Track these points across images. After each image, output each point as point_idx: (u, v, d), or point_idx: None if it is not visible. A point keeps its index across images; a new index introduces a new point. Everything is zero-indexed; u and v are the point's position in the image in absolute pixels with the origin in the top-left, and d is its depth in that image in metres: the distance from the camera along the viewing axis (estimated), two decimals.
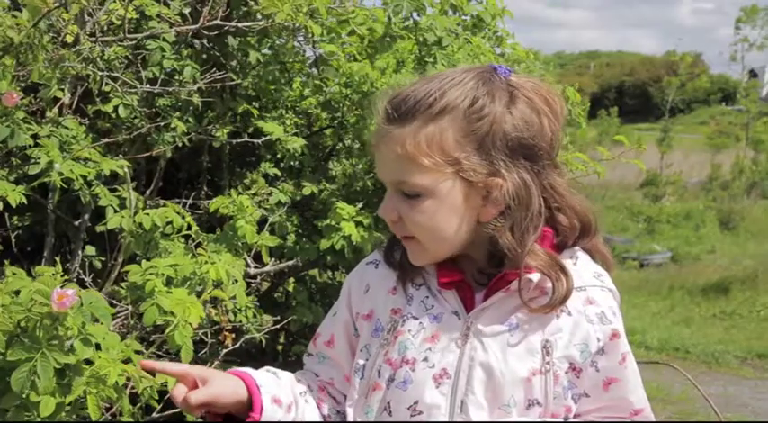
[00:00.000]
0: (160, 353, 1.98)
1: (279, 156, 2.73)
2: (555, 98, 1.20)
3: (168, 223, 2.12)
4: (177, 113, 2.51)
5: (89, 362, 1.48)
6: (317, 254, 2.54)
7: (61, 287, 1.37)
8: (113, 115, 2.37)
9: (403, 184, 1.17)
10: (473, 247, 1.20)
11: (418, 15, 2.66)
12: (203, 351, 2.35)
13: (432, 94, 1.14)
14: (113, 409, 1.92)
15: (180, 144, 2.52)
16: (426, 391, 1.17)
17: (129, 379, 1.59)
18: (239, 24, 2.41)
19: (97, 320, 1.45)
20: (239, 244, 2.28)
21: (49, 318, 1.35)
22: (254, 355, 2.93)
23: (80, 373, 1.43)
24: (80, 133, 2.24)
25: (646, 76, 42.72)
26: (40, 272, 1.58)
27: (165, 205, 2.20)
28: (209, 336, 2.29)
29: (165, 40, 2.35)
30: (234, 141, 2.72)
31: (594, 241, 1.25)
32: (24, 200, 1.98)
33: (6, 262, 1.91)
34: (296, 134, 2.72)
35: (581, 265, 1.22)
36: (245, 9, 2.51)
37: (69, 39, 2.05)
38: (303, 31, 2.79)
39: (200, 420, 1.33)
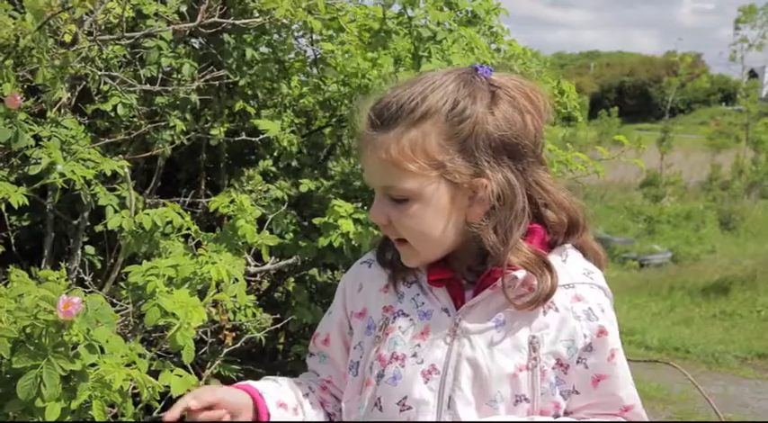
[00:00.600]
0: (161, 353, 1.98)
1: (276, 154, 2.73)
2: (538, 95, 1.21)
3: (168, 223, 2.12)
4: (176, 112, 2.51)
5: (93, 365, 1.48)
6: (316, 252, 2.54)
7: (66, 293, 1.36)
8: (112, 114, 2.37)
9: (390, 189, 1.18)
10: (462, 246, 1.22)
11: (411, 10, 2.66)
12: (203, 350, 2.35)
13: (413, 98, 1.15)
14: (115, 410, 1.92)
15: (178, 143, 2.52)
16: (415, 386, 1.19)
17: (132, 381, 1.59)
18: (236, 22, 2.40)
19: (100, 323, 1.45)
20: (240, 243, 2.28)
21: (55, 326, 1.35)
22: (254, 355, 2.93)
23: (85, 379, 1.43)
24: (79, 133, 2.24)
25: (646, 76, 42.73)
26: (43, 276, 1.58)
27: (164, 205, 2.20)
28: (209, 335, 2.29)
29: (162, 38, 2.35)
30: (232, 140, 2.72)
31: (585, 237, 1.27)
32: (26, 201, 1.98)
33: (11, 266, 1.91)
34: (293, 132, 2.72)
35: (571, 263, 1.23)
36: (242, 6, 2.51)
37: (67, 38, 2.05)
38: (303, 29, 2.80)
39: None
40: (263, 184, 2.70)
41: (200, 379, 2.00)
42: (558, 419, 1.20)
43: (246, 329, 2.40)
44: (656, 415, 5.29)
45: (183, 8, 2.47)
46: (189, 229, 2.19)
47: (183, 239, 2.23)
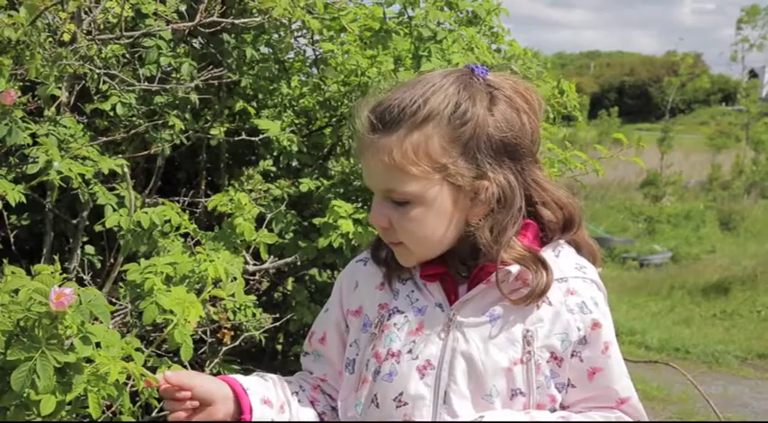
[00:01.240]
0: (159, 352, 1.98)
1: (276, 154, 2.73)
2: (532, 94, 1.22)
3: (166, 222, 2.12)
4: (175, 111, 2.51)
5: (89, 361, 1.48)
6: (316, 252, 2.54)
7: (59, 286, 1.36)
8: (111, 113, 2.37)
9: (392, 193, 1.18)
10: (458, 243, 1.22)
11: (412, 10, 2.67)
12: (202, 349, 2.35)
13: (414, 101, 1.15)
14: (113, 408, 1.92)
15: (178, 142, 2.52)
16: (411, 382, 1.19)
17: (129, 378, 1.59)
18: (235, 21, 2.40)
19: (97, 319, 1.45)
20: (238, 241, 2.28)
21: (48, 317, 1.35)
22: (254, 355, 2.93)
23: (80, 372, 1.43)
24: (78, 132, 2.24)
25: (646, 76, 42.74)
26: (38, 270, 1.58)
27: (163, 204, 2.20)
28: (208, 334, 2.29)
29: (161, 37, 2.35)
30: (231, 139, 2.72)
31: (580, 233, 1.27)
32: (23, 199, 1.98)
33: (5, 261, 1.91)
34: (293, 132, 2.72)
35: (563, 257, 1.24)
36: (241, 6, 2.51)
37: (66, 37, 2.05)
38: (302, 29, 2.80)
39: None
40: (263, 183, 2.69)
41: None
42: (554, 413, 1.21)
43: (246, 329, 2.40)
44: (656, 415, 5.29)
45: (183, 7, 2.47)
46: (187, 227, 2.19)
47: (182, 238, 2.23)
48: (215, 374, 2.38)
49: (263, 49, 2.84)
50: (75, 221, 2.42)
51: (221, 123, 2.73)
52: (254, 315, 2.42)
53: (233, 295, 1.99)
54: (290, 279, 2.93)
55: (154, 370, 1.74)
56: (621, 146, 2.72)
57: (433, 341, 1.20)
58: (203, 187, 2.91)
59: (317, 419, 1.34)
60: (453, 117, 1.14)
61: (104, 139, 2.38)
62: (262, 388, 1.30)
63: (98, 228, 2.26)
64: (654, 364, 5.14)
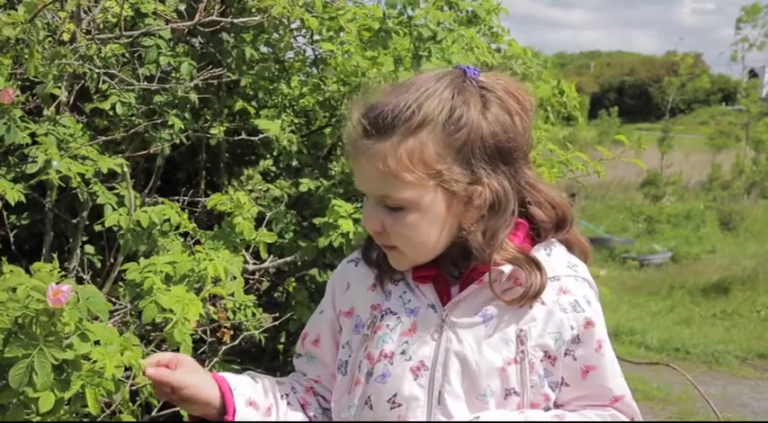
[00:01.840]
0: (159, 351, 1.98)
1: (276, 154, 2.73)
2: (524, 95, 1.21)
3: (166, 221, 2.12)
4: (174, 111, 2.51)
5: (88, 358, 1.48)
6: (316, 252, 2.54)
7: (57, 283, 1.36)
8: (111, 113, 2.37)
9: (386, 198, 1.18)
10: (450, 246, 1.22)
11: (412, 10, 2.66)
12: (202, 349, 2.35)
13: (408, 106, 1.14)
14: (113, 407, 1.92)
15: (177, 141, 2.52)
16: (405, 383, 1.19)
17: (128, 376, 1.59)
18: (235, 20, 2.40)
19: (96, 319, 1.45)
20: (237, 241, 2.28)
21: (46, 314, 1.35)
22: (254, 355, 2.93)
23: (78, 369, 1.42)
24: (77, 131, 2.24)
25: (646, 76, 42.78)
26: (37, 268, 1.58)
27: (163, 204, 2.20)
28: (208, 334, 2.29)
29: (161, 37, 2.35)
30: (231, 139, 2.72)
31: (572, 232, 1.27)
32: (23, 198, 1.98)
33: (4, 260, 1.91)
34: (293, 132, 2.72)
35: (555, 256, 1.24)
36: (241, 5, 2.51)
37: (66, 37, 2.05)
38: (302, 29, 2.79)
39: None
40: (263, 183, 2.69)
41: None
42: (548, 412, 1.21)
43: (246, 328, 2.40)
44: (656, 415, 5.29)
45: (182, 7, 2.46)
46: (187, 227, 2.19)
47: (181, 238, 2.23)
48: None
49: (263, 49, 2.84)
50: (74, 221, 2.42)
51: (221, 123, 2.73)
52: (253, 314, 2.42)
53: (233, 294, 1.99)
54: (290, 279, 2.93)
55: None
56: (622, 146, 2.72)
57: (426, 342, 1.20)
58: (203, 187, 2.91)
59: (306, 421, 1.33)
60: (448, 123, 1.14)
61: (104, 138, 2.38)
62: (249, 389, 1.29)
63: (98, 227, 2.26)
64: (654, 365, 5.14)
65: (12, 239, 2.40)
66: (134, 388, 1.75)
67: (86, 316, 1.39)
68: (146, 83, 2.34)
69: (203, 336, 2.28)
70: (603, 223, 13.52)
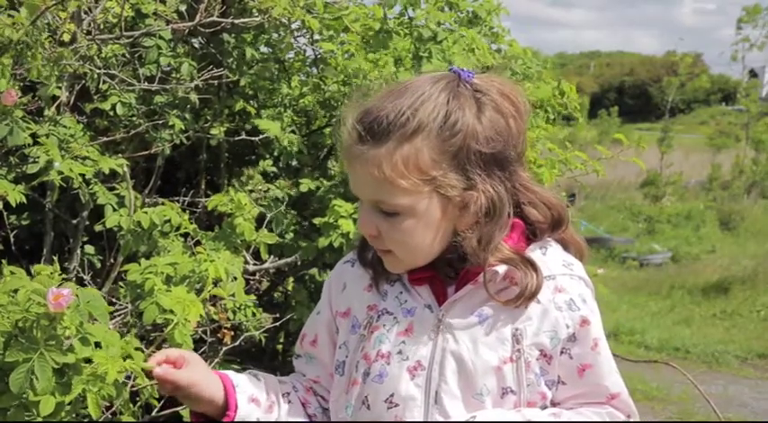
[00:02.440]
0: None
1: (276, 154, 2.73)
2: (518, 97, 1.21)
3: (166, 222, 2.12)
4: (175, 111, 2.51)
5: (88, 361, 1.48)
6: (316, 252, 2.54)
7: (58, 286, 1.36)
8: (111, 113, 2.37)
9: (381, 204, 1.18)
10: (446, 249, 1.22)
11: (413, 11, 2.67)
12: (202, 349, 2.34)
13: (403, 112, 1.13)
14: (114, 408, 1.92)
15: (177, 142, 2.52)
16: (402, 383, 1.19)
17: (128, 377, 1.59)
18: (235, 21, 2.41)
19: (96, 320, 1.45)
20: (238, 241, 2.28)
21: (46, 318, 1.35)
22: (254, 355, 2.93)
23: (79, 373, 1.43)
24: (78, 131, 2.24)
25: (646, 76, 42.79)
26: (38, 270, 1.58)
27: (163, 204, 2.20)
28: (208, 334, 2.29)
29: (161, 37, 2.35)
30: (231, 139, 2.72)
31: (568, 231, 1.28)
32: (23, 199, 1.98)
33: (4, 261, 1.91)
34: (293, 132, 2.72)
35: (550, 255, 1.24)
36: (241, 6, 2.51)
37: (66, 37, 2.05)
38: (302, 29, 2.80)
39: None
40: (263, 183, 2.69)
41: None
42: (545, 410, 1.21)
43: (246, 329, 2.40)
44: (656, 415, 5.29)
45: (183, 7, 2.47)
46: (187, 227, 2.19)
47: (182, 238, 2.23)
48: None
49: (263, 49, 2.84)
50: (75, 221, 2.42)
51: (221, 123, 2.74)
52: (254, 315, 2.42)
53: (233, 295, 1.99)
54: (290, 279, 2.93)
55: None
56: (622, 146, 2.72)
57: (422, 342, 1.20)
58: (203, 187, 2.91)
59: (306, 420, 1.34)
60: (443, 129, 1.13)
61: (104, 138, 2.38)
62: (252, 386, 1.30)
63: (98, 228, 2.26)
64: (654, 364, 5.13)
65: (12, 240, 2.40)
66: (134, 389, 1.75)
67: (87, 319, 1.39)
68: (146, 83, 2.34)
69: (204, 336, 2.28)
70: (603, 223, 13.51)
